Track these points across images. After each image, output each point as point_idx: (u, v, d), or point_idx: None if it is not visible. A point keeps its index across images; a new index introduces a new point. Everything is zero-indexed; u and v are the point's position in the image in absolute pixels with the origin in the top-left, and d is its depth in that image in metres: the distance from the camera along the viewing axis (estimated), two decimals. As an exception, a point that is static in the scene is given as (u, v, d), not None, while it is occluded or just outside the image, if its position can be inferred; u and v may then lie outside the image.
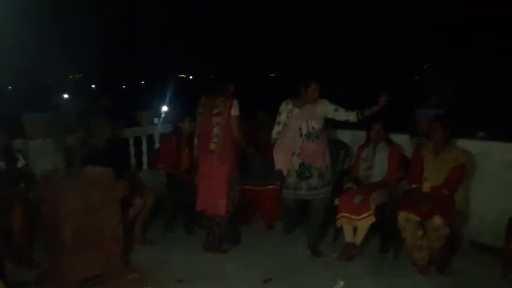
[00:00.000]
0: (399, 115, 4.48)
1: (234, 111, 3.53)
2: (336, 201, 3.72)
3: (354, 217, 3.59)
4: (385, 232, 3.74)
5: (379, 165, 3.87)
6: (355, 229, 3.64)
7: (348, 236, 3.66)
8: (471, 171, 3.75)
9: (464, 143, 3.86)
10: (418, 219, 3.31)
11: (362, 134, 4.08)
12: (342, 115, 3.66)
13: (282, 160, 3.71)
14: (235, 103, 3.53)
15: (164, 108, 8.36)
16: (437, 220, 3.18)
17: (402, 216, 3.36)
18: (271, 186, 4.22)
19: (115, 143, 3.95)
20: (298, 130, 3.62)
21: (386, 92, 3.50)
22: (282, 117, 3.72)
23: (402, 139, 4.21)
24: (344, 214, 3.64)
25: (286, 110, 3.69)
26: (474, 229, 3.84)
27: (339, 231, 3.80)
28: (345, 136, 4.62)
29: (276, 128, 3.76)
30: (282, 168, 3.71)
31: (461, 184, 3.47)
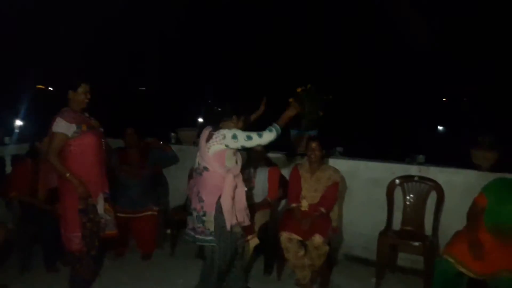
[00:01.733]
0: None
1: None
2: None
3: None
4: (268, 253, 3.71)
5: (260, 186, 3.88)
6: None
7: (233, 261, 3.54)
8: (343, 189, 3.97)
9: (335, 162, 4.08)
10: (300, 238, 3.35)
11: (242, 155, 4.03)
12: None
13: None
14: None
15: (18, 123, 7.28)
16: (317, 239, 3.25)
17: (284, 236, 3.37)
18: (148, 212, 3.92)
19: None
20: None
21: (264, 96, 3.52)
22: None
23: (279, 159, 4.28)
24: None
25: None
26: (347, 243, 4.06)
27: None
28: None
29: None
30: None
31: (336, 201, 3.64)
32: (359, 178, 4.04)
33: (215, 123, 2.97)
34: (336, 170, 3.69)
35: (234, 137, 2.80)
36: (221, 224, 2.86)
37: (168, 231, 4.13)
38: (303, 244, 3.38)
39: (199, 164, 2.97)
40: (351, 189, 4.03)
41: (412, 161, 3.88)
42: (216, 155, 2.85)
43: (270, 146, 4.18)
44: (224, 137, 2.81)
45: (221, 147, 2.84)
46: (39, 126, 4.84)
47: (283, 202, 4.13)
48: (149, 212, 3.95)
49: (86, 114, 3.21)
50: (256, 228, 3.52)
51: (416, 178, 3.69)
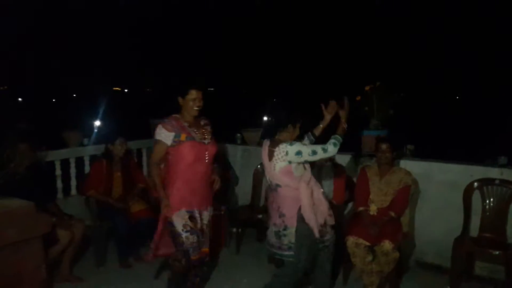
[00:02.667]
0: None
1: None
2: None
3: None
4: (334, 257, 3.62)
5: (325, 188, 3.77)
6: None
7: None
8: (415, 192, 3.76)
9: (406, 164, 3.88)
10: (368, 244, 3.23)
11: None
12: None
13: None
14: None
15: (97, 123, 7.78)
16: (386, 245, 3.11)
17: (351, 241, 3.26)
18: (215, 212, 4.00)
19: (36, 170, 3.49)
20: None
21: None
22: None
23: (345, 159, 4.16)
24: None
25: None
26: (419, 249, 3.84)
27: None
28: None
29: None
30: None
31: (407, 205, 3.46)
32: (433, 180, 3.80)
33: (272, 135, 2.91)
34: (408, 173, 3.51)
35: (298, 153, 2.71)
36: (303, 233, 2.81)
37: (234, 230, 4.18)
38: (371, 249, 3.25)
39: (270, 181, 2.92)
40: (424, 192, 3.81)
41: (493, 163, 3.58)
42: (283, 171, 2.79)
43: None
44: (287, 153, 2.73)
45: (285, 164, 2.77)
46: (116, 127, 5.15)
47: (349, 205, 4.00)
48: (216, 212, 4.02)
49: (202, 122, 3.04)
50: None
51: (497, 181, 3.40)
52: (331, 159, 3.94)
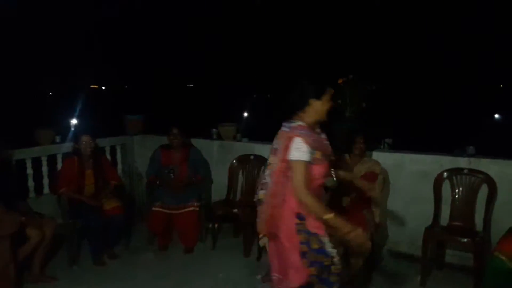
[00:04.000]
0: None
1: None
2: (258, 220, 3.58)
3: (276, 235, 3.46)
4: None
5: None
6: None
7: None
8: (387, 183, 3.83)
9: (379, 156, 3.93)
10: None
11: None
12: None
13: None
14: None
15: (73, 122, 7.65)
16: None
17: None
18: (190, 208, 4.00)
19: (5, 169, 3.41)
20: None
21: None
22: None
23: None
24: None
25: None
26: (392, 239, 3.91)
27: (263, 250, 3.64)
28: (264, 150, 4.49)
29: None
30: None
31: (375, 187, 3.43)
32: (405, 171, 3.87)
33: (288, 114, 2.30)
34: (377, 163, 3.56)
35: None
36: None
37: (210, 225, 4.17)
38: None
39: None
40: (397, 183, 3.87)
41: (461, 153, 3.65)
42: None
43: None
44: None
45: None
46: (91, 124, 5.06)
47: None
48: (191, 208, 4.01)
49: (317, 129, 2.37)
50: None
51: (465, 171, 3.48)
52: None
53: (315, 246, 2.20)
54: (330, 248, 2.25)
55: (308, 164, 2.18)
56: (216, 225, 4.12)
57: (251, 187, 4.15)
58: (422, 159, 3.83)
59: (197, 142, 4.69)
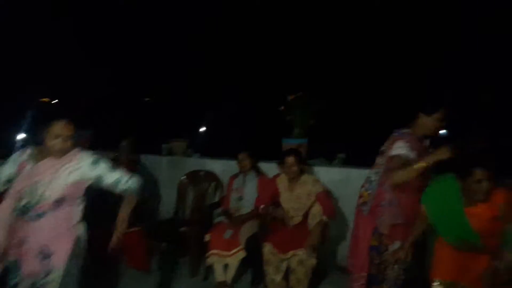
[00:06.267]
0: (266, 143, 4.55)
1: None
2: (207, 237, 3.54)
3: (224, 253, 3.43)
4: (255, 265, 3.62)
5: (249, 195, 3.79)
6: (226, 266, 3.47)
7: (219, 275, 3.47)
8: (333, 198, 3.89)
9: (327, 171, 4.01)
10: (282, 252, 3.24)
11: (234, 164, 3.98)
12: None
13: None
14: None
15: (20, 136, 7.30)
16: (301, 253, 3.17)
17: (267, 247, 3.28)
18: (133, 229, 3.84)
19: None
20: None
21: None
22: None
23: (270, 168, 4.20)
24: (215, 251, 3.46)
25: None
26: (338, 253, 3.98)
27: (210, 270, 3.58)
28: (215, 166, 4.47)
29: None
30: None
31: (333, 207, 3.45)
32: (351, 186, 3.92)
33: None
34: (315, 181, 3.47)
35: None
36: None
37: (156, 245, 4.02)
38: (286, 258, 3.24)
39: None
40: (343, 198, 3.95)
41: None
42: None
43: (261, 156, 4.16)
44: None
45: None
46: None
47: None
48: (135, 228, 3.84)
49: (426, 142, 2.71)
50: (243, 240, 3.44)
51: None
52: (255, 168, 3.96)
53: None
54: None
55: (406, 157, 2.50)
56: (162, 245, 3.99)
57: (201, 204, 4.10)
58: (367, 173, 3.92)
59: (146, 158, 4.60)
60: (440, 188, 2.50)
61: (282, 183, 3.52)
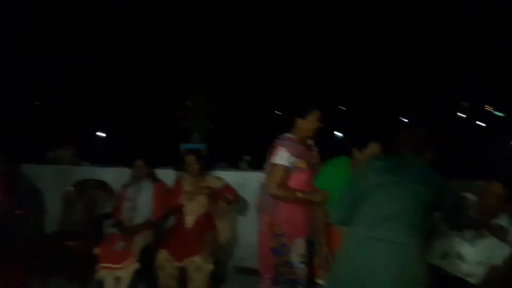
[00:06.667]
0: (163, 149, 4.44)
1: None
2: (96, 250, 3.30)
3: (115, 266, 3.24)
4: (151, 277, 3.46)
5: (144, 204, 3.64)
6: (119, 279, 3.26)
7: (110, 290, 3.25)
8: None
9: (225, 175, 3.98)
10: (177, 260, 3.19)
11: (127, 172, 3.79)
12: None
13: None
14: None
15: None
16: (197, 260, 3.13)
17: (162, 254, 3.20)
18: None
19: None
20: None
21: None
22: None
23: (167, 174, 4.07)
24: (105, 264, 3.24)
25: None
26: (239, 255, 3.98)
27: (100, 285, 3.34)
28: (106, 174, 4.20)
29: None
30: None
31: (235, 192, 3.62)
32: (249, 189, 3.97)
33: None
34: (217, 178, 3.65)
35: None
36: None
37: (38, 262, 3.64)
38: (182, 265, 3.20)
39: None
40: (242, 200, 3.95)
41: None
42: None
43: (158, 162, 4.01)
44: None
45: None
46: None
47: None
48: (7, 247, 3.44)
49: (309, 142, 2.89)
50: (136, 251, 3.28)
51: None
52: (151, 175, 3.81)
53: None
54: None
55: (286, 168, 2.66)
56: (47, 260, 3.63)
57: (90, 216, 3.82)
58: (262, 176, 3.99)
59: (29, 168, 4.17)
60: (332, 169, 2.76)
61: (186, 183, 3.60)
